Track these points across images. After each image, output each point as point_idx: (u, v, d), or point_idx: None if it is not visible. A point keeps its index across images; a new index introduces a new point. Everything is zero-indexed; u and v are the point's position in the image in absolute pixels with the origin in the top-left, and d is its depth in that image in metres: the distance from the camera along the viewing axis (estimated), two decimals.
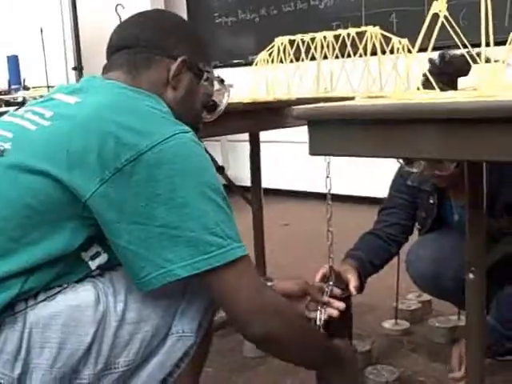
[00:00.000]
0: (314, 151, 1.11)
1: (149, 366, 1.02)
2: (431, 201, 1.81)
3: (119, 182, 0.92)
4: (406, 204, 1.89)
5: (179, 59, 1.12)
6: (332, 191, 1.53)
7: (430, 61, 1.43)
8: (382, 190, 3.97)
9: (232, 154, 4.62)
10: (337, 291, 1.40)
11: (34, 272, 0.93)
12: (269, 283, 1.20)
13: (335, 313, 1.30)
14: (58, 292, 0.96)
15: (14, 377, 0.91)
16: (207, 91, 1.20)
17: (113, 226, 0.94)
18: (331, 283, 1.46)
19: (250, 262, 1.00)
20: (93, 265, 1.00)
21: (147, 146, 0.93)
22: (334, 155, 1.10)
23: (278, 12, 4.59)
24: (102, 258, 1.00)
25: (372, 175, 4.07)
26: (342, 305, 1.30)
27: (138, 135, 0.94)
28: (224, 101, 1.27)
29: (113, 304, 0.97)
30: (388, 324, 2.14)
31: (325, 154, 1.14)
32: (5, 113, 2.06)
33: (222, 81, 1.24)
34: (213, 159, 2.47)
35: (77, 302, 0.95)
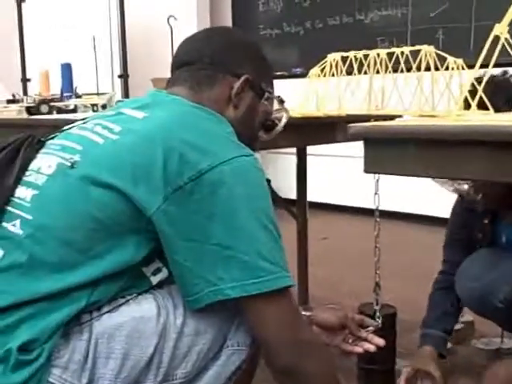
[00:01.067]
0: (369, 169, 1.11)
1: (204, 378, 1.03)
2: (485, 221, 1.79)
3: (180, 200, 0.93)
4: (462, 237, 1.88)
5: (242, 78, 1.13)
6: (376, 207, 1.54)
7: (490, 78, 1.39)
8: (428, 208, 3.96)
9: (273, 165, 4.63)
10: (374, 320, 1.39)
11: (99, 285, 0.95)
12: (308, 313, 1.18)
13: (372, 348, 1.26)
14: (122, 304, 0.98)
15: None
16: (267, 110, 1.20)
17: (171, 242, 0.95)
18: (377, 306, 1.46)
19: (292, 294, 1.01)
20: (154, 280, 1.02)
21: (209, 165, 0.94)
22: (388, 174, 1.11)
23: (324, 25, 4.60)
24: (163, 274, 1.02)
25: (420, 192, 4.03)
26: (381, 341, 1.26)
27: (201, 154, 0.95)
28: (283, 122, 1.26)
29: (172, 317, 0.99)
30: None
31: (380, 173, 1.14)
32: (57, 120, 2.11)
33: (281, 101, 1.25)
34: None
35: (140, 314, 0.97)
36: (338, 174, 4.41)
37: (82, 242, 0.94)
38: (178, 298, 1.00)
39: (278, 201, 2.37)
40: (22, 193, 0.99)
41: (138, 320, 0.96)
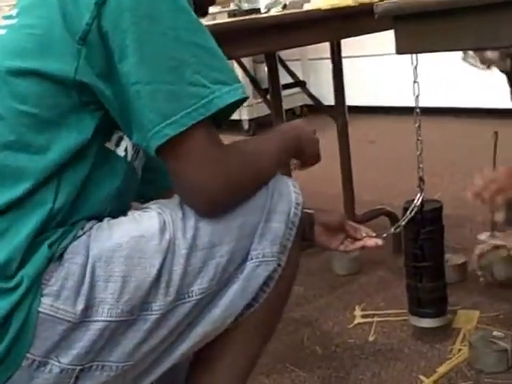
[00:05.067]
0: (400, 50, 1.02)
1: (228, 293, 0.95)
2: None
3: (92, 45, 0.85)
4: None
5: None
6: (420, 104, 1.44)
7: None
8: (472, 100, 3.81)
9: (314, 73, 4.50)
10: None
11: (60, 179, 0.88)
12: (310, 211, 1.10)
13: (371, 243, 1.17)
14: (121, 218, 0.92)
15: (77, 312, 0.85)
16: None
17: (103, 95, 0.87)
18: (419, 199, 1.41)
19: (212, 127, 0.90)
20: (120, 151, 0.94)
21: None
22: (422, 51, 1.02)
23: None
24: (126, 141, 0.94)
25: (460, 85, 3.86)
26: (379, 241, 1.18)
27: None
28: None
29: (181, 231, 0.91)
30: (484, 236, 2.04)
31: (413, 52, 1.06)
32: None
33: None
34: (293, 74, 2.41)
35: (140, 233, 0.89)
36: (384, 75, 4.24)
37: (20, 141, 0.87)
38: (189, 209, 0.92)
39: (318, 106, 2.28)
40: None
41: (138, 239, 0.89)
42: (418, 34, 1.01)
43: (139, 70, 0.84)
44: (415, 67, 1.41)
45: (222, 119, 0.91)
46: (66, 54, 0.85)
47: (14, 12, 0.94)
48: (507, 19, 0.86)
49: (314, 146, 1.13)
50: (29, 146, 0.87)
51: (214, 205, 0.91)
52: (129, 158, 0.95)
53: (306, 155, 1.12)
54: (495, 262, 1.76)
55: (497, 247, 1.77)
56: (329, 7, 1.60)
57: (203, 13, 1.14)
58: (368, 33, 1.74)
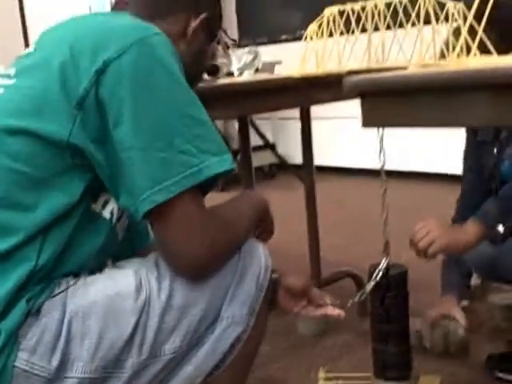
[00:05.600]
0: (367, 123, 1.07)
1: (198, 353, 0.97)
2: (494, 151, 1.67)
3: (88, 110, 0.87)
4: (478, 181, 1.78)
5: (202, 16, 1.09)
6: (386, 167, 1.49)
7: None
8: (438, 165, 3.91)
9: (283, 132, 4.59)
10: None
11: (44, 238, 0.89)
12: (275, 275, 1.11)
13: (335, 313, 1.18)
14: (98, 276, 0.94)
15: (52, 368, 0.87)
16: (214, 53, 1.19)
17: (94, 159, 0.89)
18: (385, 262, 1.43)
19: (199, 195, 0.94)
20: (105, 213, 0.95)
21: (104, 62, 0.87)
22: (388, 126, 1.07)
23: None
24: (112, 204, 0.96)
25: (428, 150, 3.98)
26: (342, 313, 1.19)
27: (93, 53, 0.89)
28: (225, 70, 1.25)
29: (156, 291, 0.93)
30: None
31: (378, 126, 1.10)
32: None
33: (227, 47, 1.25)
34: (263, 137, 2.47)
35: (116, 291, 0.91)
36: (354, 137, 4.35)
37: (8, 198, 0.88)
38: (165, 268, 0.95)
39: (286, 167, 2.33)
40: None
41: (114, 297, 0.91)
42: (384, 109, 1.06)
43: (133, 138, 0.87)
44: (381, 138, 1.47)
45: (208, 186, 0.94)
46: (62, 117, 0.88)
47: (11, 72, 0.96)
48: (464, 101, 0.92)
49: (272, 220, 1.17)
50: (17, 204, 0.89)
51: (198, 269, 0.94)
52: (114, 220, 0.97)
53: (267, 225, 1.16)
54: (450, 335, 1.81)
55: (445, 317, 1.83)
56: (299, 76, 1.66)
57: (197, 81, 1.18)
58: (337, 100, 1.81)
